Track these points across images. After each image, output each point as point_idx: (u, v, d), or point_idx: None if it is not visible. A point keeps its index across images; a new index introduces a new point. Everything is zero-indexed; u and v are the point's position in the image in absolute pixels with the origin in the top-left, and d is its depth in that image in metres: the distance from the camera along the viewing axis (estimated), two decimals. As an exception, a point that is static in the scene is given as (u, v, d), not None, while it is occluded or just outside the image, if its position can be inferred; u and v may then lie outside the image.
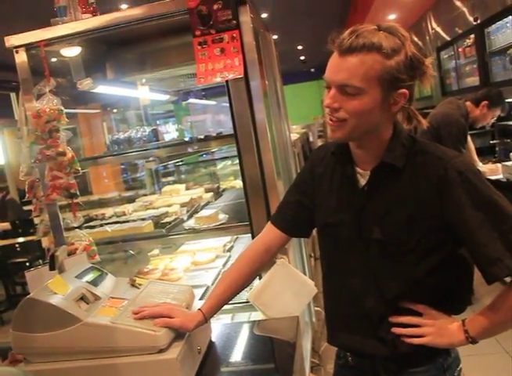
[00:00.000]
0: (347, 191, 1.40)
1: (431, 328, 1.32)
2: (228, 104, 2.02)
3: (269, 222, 1.62)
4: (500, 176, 4.17)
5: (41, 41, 2.05)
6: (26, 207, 7.43)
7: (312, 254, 4.39)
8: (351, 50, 1.20)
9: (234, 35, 1.90)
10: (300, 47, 12.37)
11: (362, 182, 1.37)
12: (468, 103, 4.07)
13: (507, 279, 1.30)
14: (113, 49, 2.39)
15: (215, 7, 1.91)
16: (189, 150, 3.55)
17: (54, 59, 2.28)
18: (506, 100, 4.36)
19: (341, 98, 1.23)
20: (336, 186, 1.43)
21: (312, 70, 15.17)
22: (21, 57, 2.11)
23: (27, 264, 5.47)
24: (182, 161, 4.42)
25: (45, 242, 2.38)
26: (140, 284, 1.71)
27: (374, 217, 1.33)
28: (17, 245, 5.78)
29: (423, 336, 1.32)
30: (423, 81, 1.28)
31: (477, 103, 4.01)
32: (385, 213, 1.31)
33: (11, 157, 10.32)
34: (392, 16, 7.72)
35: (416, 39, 8.03)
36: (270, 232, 1.59)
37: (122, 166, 4.70)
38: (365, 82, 1.20)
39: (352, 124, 1.25)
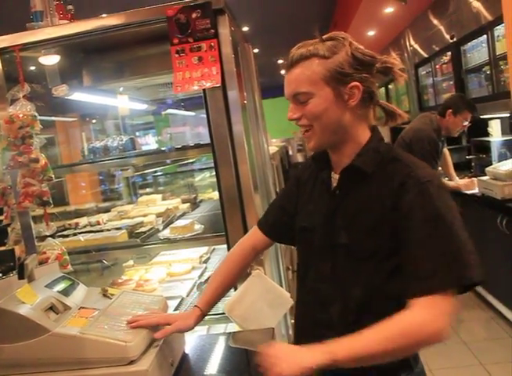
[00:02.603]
0: (322, 195, 1.43)
1: (277, 351, 1.23)
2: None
3: (256, 224, 1.67)
4: (476, 191, 4.22)
5: (16, 45, 2.02)
6: None
7: (290, 267, 4.37)
8: (293, 63, 1.31)
9: (212, 44, 1.90)
10: (280, 61, 12.46)
11: None
12: (437, 117, 4.12)
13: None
14: (90, 57, 2.37)
15: (194, 16, 1.90)
16: (167, 160, 3.52)
17: (30, 66, 2.24)
18: (482, 117, 4.43)
19: (298, 107, 1.32)
20: (315, 192, 1.46)
21: (292, 84, 15.26)
22: (-5, 61, 2.07)
23: (0, 274, 5.34)
24: (160, 172, 4.39)
25: (17, 251, 2.32)
26: (112, 294, 1.67)
27: (342, 221, 1.34)
28: (-11, 256, 5.63)
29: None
30: (395, 78, 1.35)
31: (443, 114, 4.06)
32: (352, 217, 1.33)
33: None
34: (371, 33, 7.83)
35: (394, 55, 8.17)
36: (256, 233, 1.65)
37: (100, 177, 4.63)
38: (311, 86, 1.28)
39: (317, 128, 1.32)
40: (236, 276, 1.66)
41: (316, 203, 1.44)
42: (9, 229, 2.24)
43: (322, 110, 1.29)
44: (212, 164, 2.01)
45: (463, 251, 1.20)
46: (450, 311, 1.18)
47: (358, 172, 1.33)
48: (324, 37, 1.33)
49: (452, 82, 5.50)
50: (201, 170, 4.64)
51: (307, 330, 1.45)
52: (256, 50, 8.58)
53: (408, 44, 7.39)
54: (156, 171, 4.39)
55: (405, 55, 7.53)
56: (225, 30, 1.95)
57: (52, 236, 2.16)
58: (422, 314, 1.18)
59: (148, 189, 4.21)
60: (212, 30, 1.90)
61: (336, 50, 1.29)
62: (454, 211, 1.24)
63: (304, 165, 1.59)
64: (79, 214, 3.16)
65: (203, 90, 1.95)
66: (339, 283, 1.34)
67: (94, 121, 3.93)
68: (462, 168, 5.13)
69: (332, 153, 1.41)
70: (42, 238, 2.14)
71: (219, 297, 1.62)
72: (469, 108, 4.04)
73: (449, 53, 5.46)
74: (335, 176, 1.41)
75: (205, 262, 2.81)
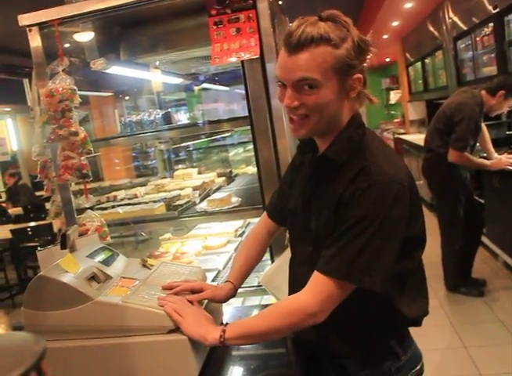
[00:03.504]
0: (305, 179, 1.41)
1: (190, 311, 1.37)
2: (240, 91, 1.99)
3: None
4: (515, 167, 4.10)
5: (55, 19, 2.03)
6: (38, 193, 7.49)
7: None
8: (300, 46, 1.19)
9: (250, 15, 1.87)
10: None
11: None
12: (483, 93, 3.99)
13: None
14: (127, 30, 2.37)
15: (231, -14, 1.87)
16: (201, 136, 3.52)
17: (69, 41, 2.26)
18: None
19: (299, 96, 1.23)
20: (303, 174, 1.45)
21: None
22: (34, 36, 2.09)
23: (39, 248, 5.49)
24: (193, 147, 4.41)
25: (57, 224, 2.37)
26: (152, 265, 1.70)
27: (315, 208, 1.33)
28: (29, 229, 5.80)
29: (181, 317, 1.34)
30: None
31: (494, 93, 3.94)
32: (321, 206, 1.30)
33: (23, 143, 10.40)
34: (408, 5, 7.61)
35: (432, 28, 7.94)
36: (266, 217, 1.66)
37: (133, 153, 4.69)
38: (321, 75, 1.19)
39: (315, 119, 1.25)
40: (256, 258, 1.66)
41: (299, 187, 1.43)
42: (50, 202, 2.28)
43: (327, 101, 1.22)
44: (245, 140, 2.01)
45: (369, 257, 1.19)
46: (333, 299, 1.22)
47: (329, 162, 1.29)
48: (324, 15, 1.22)
49: (493, 55, 5.31)
50: (234, 145, 4.64)
51: None
52: (290, 24, 8.42)
53: (447, 16, 7.15)
54: (189, 147, 4.41)
55: (444, 28, 7.31)
56: (263, 2, 1.92)
57: (91, 208, 2.19)
58: (305, 296, 1.24)
59: (181, 165, 4.24)
60: (250, 1, 1.87)
61: (344, 37, 1.20)
62: (389, 222, 1.19)
63: (298, 149, 1.54)
64: (113, 189, 3.21)
65: (242, 62, 1.92)
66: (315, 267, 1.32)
67: (127, 97, 3.95)
68: (501, 144, 4.99)
69: (317, 139, 1.37)
70: (82, 210, 2.18)
71: (248, 271, 1.63)
72: None
73: (491, 25, 5.26)
74: None
75: (240, 235, 2.82)
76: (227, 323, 1.33)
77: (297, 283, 1.37)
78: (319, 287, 1.23)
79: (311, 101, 1.22)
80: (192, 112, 5.40)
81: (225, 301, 1.57)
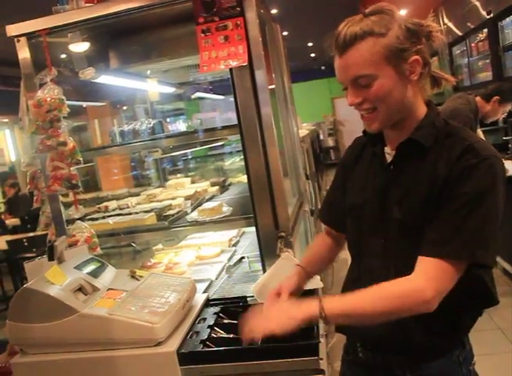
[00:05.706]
0: (373, 170, 1.41)
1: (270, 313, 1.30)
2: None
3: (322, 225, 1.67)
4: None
5: (43, 29, 2.02)
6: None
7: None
8: (347, 45, 1.23)
9: (238, 22, 1.86)
10: (310, 44, 12.25)
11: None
12: (478, 99, 4.00)
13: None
14: (117, 39, 2.35)
15: (219, -6, 1.86)
16: (197, 145, 3.51)
17: (58, 51, 2.24)
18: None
19: (360, 91, 1.26)
20: (365, 167, 1.44)
21: (323, 67, 15.05)
22: (23, 47, 2.08)
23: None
24: (190, 156, 4.39)
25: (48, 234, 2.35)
26: (141, 276, 1.68)
27: (395, 196, 1.32)
28: (25, 240, 5.77)
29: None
30: (433, 40, 1.29)
31: (488, 99, 3.94)
32: (406, 192, 1.30)
33: (22, 154, 10.36)
34: (403, 12, 7.63)
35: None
36: (324, 234, 1.65)
37: (132, 163, 4.68)
38: (373, 67, 1.22)
39: (383, 110, 1.27)
40: (325, 259, 1.67)
41: (368, 178, 1.40)
42: (40, 213, 2.26)
43: (388, 90, 1.24)
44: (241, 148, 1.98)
45: (488, 234, 1.20)
46: (448, 283, 1.19)
47: (416, 146, 1.29)
48: (368, 11, 1.26)
49: (488, 60, 5.32)
50: (231, 154, 4.62)
51: None
52: (285, 33, 8.44)
53: (441, 22, 7.17)
54: (186, 156, 4.40)
55: (439, 34, 7.31)
56: (251, 12, 1.90)
57: (82, 219, 2.17)
58: (418, 281, 1.19)
59: (179, 175, 4.22)
60: (238, 8, 1.85)
61: (389, 25, 1.22)
62: (500, 196, 1.21)
63: (349, 150, 1.56)
64: (111, 199, 3.19)
65: (230, 70, 1.91)
66: (392, 259, 1.32)
67: (125, 107, 3.94)
68: (499, 150, 4.95)
69: (389, 129, 1.36)
70: (72, 221, 2.16)
71: (320, 260, 1.66)
72: None
73: (486, 30, 5.27)
74: (389, 151, 1.38)
75: (234, 245, 2.79)
76: (322, 298, 1.25)
77: (370, 278, 1.32)
78: (432, 272, 1.19)
79: (371, 94, 1.24)
80: (191, 121, 5.39)
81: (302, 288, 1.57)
